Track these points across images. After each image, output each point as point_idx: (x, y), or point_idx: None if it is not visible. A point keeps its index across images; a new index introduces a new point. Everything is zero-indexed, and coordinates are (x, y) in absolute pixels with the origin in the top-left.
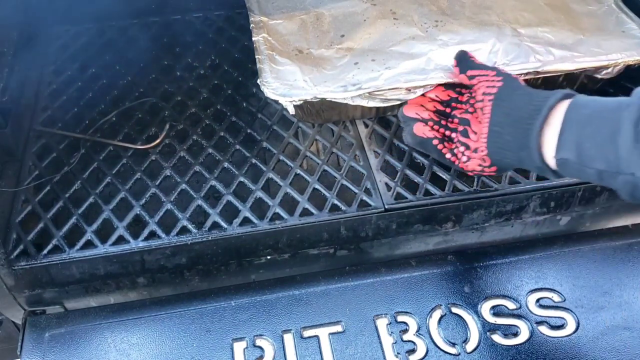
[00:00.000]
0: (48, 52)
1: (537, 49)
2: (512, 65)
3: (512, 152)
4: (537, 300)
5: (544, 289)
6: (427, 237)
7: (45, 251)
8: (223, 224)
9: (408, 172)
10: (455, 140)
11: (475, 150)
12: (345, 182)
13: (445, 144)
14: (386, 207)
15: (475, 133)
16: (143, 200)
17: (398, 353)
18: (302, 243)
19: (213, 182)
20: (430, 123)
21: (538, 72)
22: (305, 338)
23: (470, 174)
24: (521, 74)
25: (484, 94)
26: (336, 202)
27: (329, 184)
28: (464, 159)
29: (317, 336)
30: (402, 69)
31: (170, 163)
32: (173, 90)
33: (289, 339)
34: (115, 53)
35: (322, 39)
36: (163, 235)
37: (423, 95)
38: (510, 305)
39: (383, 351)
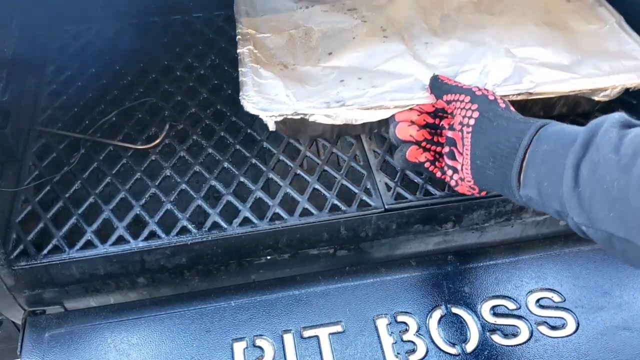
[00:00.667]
0: (48, 52)
1: (531, 69)
2: (503, 87)
3: (496, 186)
4: (537, 301)
5: (544, 289)
6: (427, 237)
7: (45, 251)
8: (223, 224)
9: (408, 172)
10: (444, 163)
11: (462, 179)
12: (345, 182)
13: (437, 163)
14: (386, 207)
15: (461, 154)
16: (143, 201)
17: (398, 353)
18: (302, 243)
19: (213, 182)
20: (424, 143)
21: (531, 94)
22: (305, 338)
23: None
24: (513, 95)
25: (460, 123)
26: (336, 202)
27: (329, 184)
28: (453, 182)
29: (317, 336)
30: (388, 87)
31: (170, 163)
32: (173, 90)
33: (289, 339)
34: (115, 53)
35: (309, 55)
36: (163, 236)
37: (410, 108)
38: (510, 305)
39: (383, 351)
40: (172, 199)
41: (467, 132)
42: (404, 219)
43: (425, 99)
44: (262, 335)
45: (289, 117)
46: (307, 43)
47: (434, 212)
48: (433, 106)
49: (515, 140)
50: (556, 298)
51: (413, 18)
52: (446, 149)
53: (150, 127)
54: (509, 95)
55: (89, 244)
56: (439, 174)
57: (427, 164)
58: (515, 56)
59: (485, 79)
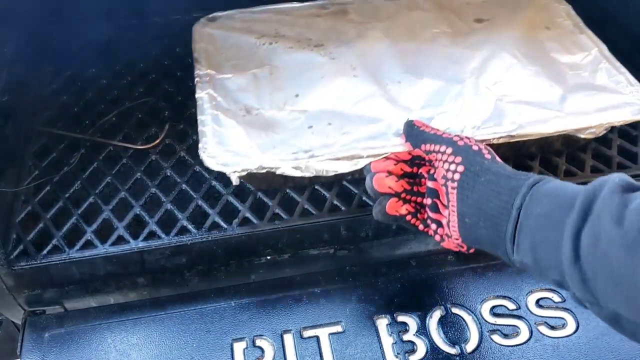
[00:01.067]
0: (48, 52)
1: (512, 108)
2: (482, 129)
3: (488, 246)
4: (537, 301)
5: (544, 289)
6: (427, 237)
7: (45, 251)
8: (223, 224)
9: None
10: (426, 216)
11: (449, 236)
12: (344, 182)
13: (419, 214)
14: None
15: (446, 208)
16: (143, 200)
17: (398, 353)
18: (302, 243)
19: (213, 182)
20: (403, 194)
21: (512, 136)
22: (305, 338)
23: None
24: (494, 139)
25: (444, 177)
26: (336, 202)
27: (329, 183)
28: (438, 237)
29: (317, 336)
30: (360, 134)
31: (170, 163)
32: (173, 90)
33: (289, 339)
34: (115, 53)
35: (275, 98)
36: (163, 235)
37: (386, 157)
38: (510, 305)
39: (383, 351)
40: (171, 199)
41: (452, 188)
42: None
43: (400, 146)
44: (262, 335)
45: (254, 171)
46: (272, 83)
47: None
48: (409, 154)
49: (506, 199)
50: (556, 298)
51: (384, 53)
52: (428, 201)
53: (150, 127)
54: (490, 140)
55: (88, 244)
56: (421, 227)
57: (408, 217)
58: (494, 94)
59: (464, 122)
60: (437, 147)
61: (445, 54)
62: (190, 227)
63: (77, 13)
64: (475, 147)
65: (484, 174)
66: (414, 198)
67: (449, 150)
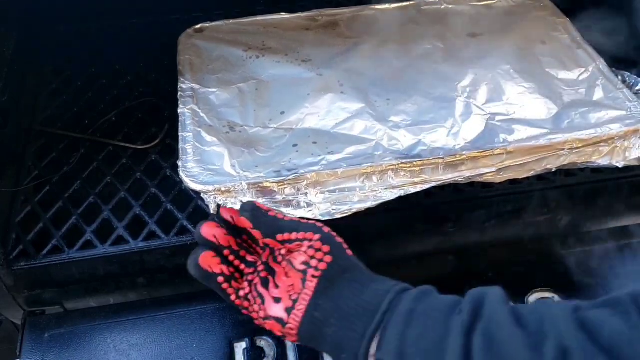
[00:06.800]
0: (48, 52)
1: (504, 127)
2: (474, 145)
3: (329, 346)
4: (537, 301)
5: (544, 289)
6: (427, 237)
7: (44, 251)
8: None
9: None
10: (253, 287)
11: (281, 321)
12: None
13: (233, 282)
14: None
15: (277, 287)
16: (142, 200)
17: None
18: None
19: None
20: (226, 252)
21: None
22: None
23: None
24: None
25: (305, 263)
26: None
27: None
28: (257, 315)
29: None
30: (346, 153)
31: (170, 163)
32: (173, 90)
33: None
34: (115, 53)
35: (260, 114)
36: (162, 236)
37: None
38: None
39: None
40: (171, 199)
41: (313, 276)
42: (405, 219)
43: (388, 163)
44: (262, 335)
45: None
46: (257, 100)
47: (434, 212)
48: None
49: (369, 300)
50: (556, 298)
51: (373, 70)
52: (262, 274)
53: (150, 127)
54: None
55: (88, 244)
56: (233, 297)
57: (220, 279)
58: (485, 112)
59: (455, 141)
60: (300, 235)
61: (436, 70)
62: (190, 227)
63: (77, 12)
64: (338, 239)
65: (350, 271)
66: (236, 262)
67: (317, 237)
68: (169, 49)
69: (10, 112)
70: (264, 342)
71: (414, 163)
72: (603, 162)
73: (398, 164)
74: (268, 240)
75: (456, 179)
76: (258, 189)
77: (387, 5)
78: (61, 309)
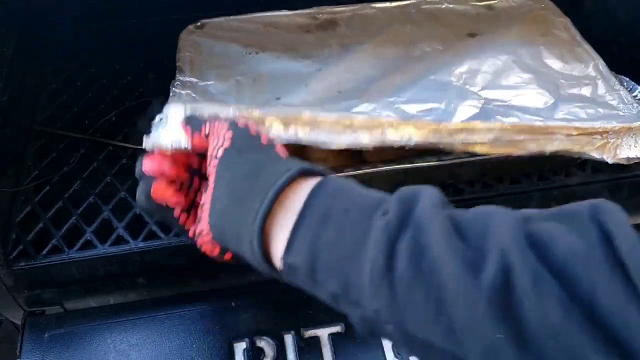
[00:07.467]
0: (48, 52)
1: (500, 111)
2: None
3: (234, 241)
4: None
5: None
6: None
7: (44, 251)
8: None
9: None
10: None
11: (201, 232)
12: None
13: (192, 212)
14: None
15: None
16: None
17: (398, 353)
18: None
19: None
20: (178, 183)
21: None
22: (306, 338)
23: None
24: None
25: (210, 155)
26: None
27: None
28: (192, 234)
29: (317, 336)
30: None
31: None
32: None
33: (289, 339)
34: (115, 53)
35: (255, 98)
36: (163, 236)
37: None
38: None
39: (383, 351)
40: None
41: (213, 167)
42: None
43: (386, 116)
44: (262, 335)
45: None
46: (255, 87)
47: None
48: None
49: (265, 179)
50: None
51: (371, 70)
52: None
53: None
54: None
55: (88, 244)
56: (191, 232)
57: (177, 211)
58: (481, 97)
59: (451, 119)
60: (214, 126)
61: (435, 68)
62: None
63: (77, 12)
64: (253, 132)
65: (247, 152)
66: (190, 195)
67: (224, 127)
68: (169, 48)
69: (10, 112)
70: (263, 342)
71: (408, 122)
72: (596, 154)
73: (392, 122)
74: (197, 140)
75: (452, 143)
76: None
77: (387, 4)
78: (61, 309)
